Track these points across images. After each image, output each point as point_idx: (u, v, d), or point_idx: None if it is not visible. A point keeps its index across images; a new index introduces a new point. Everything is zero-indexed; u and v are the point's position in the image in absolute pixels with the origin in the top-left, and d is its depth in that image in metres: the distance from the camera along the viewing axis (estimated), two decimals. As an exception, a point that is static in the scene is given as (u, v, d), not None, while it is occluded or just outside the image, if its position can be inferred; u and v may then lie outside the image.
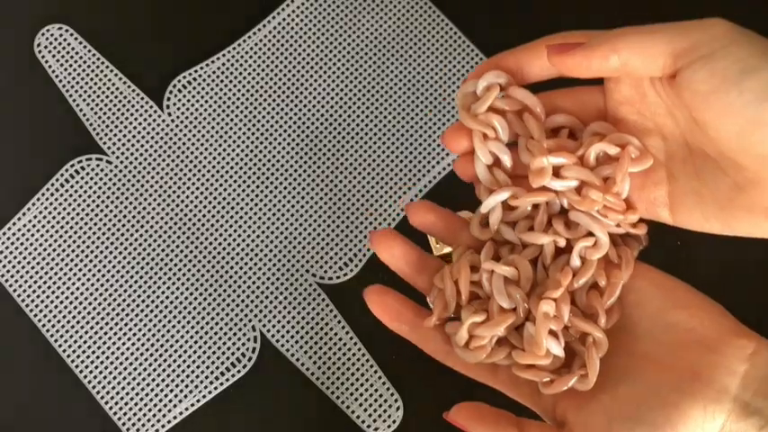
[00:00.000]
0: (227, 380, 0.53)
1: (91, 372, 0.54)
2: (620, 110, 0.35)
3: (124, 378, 0.54)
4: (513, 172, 0.36)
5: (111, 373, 0.54)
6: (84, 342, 0.54)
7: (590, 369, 0.33)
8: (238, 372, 0.54)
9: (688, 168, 0.33)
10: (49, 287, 0.55)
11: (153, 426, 0.53)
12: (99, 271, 0.55)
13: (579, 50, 0.33)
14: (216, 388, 0.53)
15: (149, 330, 0.54)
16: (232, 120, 0.58)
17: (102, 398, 0.53)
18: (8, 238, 0.56)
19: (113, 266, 0.55)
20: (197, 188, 0.57)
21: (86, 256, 0.56)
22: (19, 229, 0.56)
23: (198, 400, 0.53)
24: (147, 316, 0.55)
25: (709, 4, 0.61)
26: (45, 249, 0.56)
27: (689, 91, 0.31)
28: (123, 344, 0.54)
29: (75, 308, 0.55)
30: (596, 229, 0.35)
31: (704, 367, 0.32)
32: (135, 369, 0.54)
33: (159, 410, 0.53)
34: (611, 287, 0.35)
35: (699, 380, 0.32)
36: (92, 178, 0.57)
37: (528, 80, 0.35)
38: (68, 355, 0.54)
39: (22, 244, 0.56)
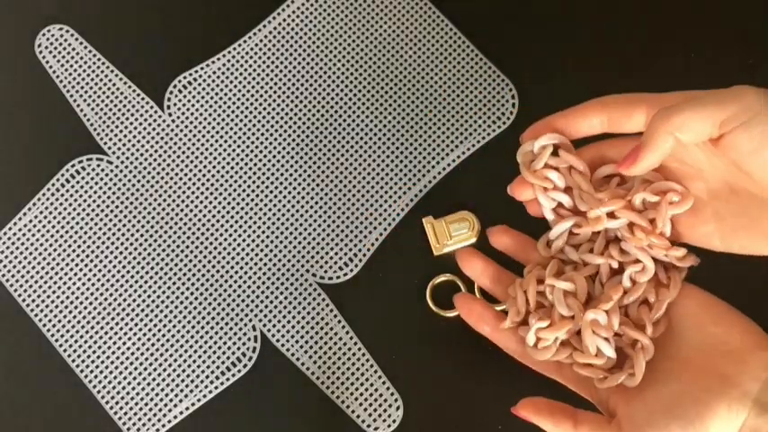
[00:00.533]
0: (228, 380, 0.54)
1: (91, 371, 0.54)
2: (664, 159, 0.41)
3: (125, 378, 0.54)
4: (573, 208, 0.43)
5: (111, 372, 0.54)
6: (85, 342, 0.54)
7: (637, 369, 0.40)
8: (238, 371, 0.54)
9: (733, 207, 0.39)
10: (49, 287, 0.55)
11: (153, 425, 0.53)
12: (99, 271, 0.55)
13: (644, 155, 0.39)
14: (216, 388, 0.53)
15: (150, 330, 0.54)
16: (232, 120, 0.58)
17: (103, 397, 0.53)
18: (9, 239, 0.56)
19: (114, 266, 0.56)
20: (197, 188, 0.57)
21: (87, 256, 0.56)
22: (20, 229, 0.56)
23: (198, 400, 0.53)
24: (147, 316, 0.55)
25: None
26: (45, 249, 0.56)
27: (734, 151, 0.37)
28: (124, 344, 0.54)
29: (75, 308, 0.55)
30: (643, 257, 0.41)
31: (732, 373, 0.38)
32: (135, 369, 0.54)
33: (159, 410, 0.53)
34: (659, 304, 0.41)
35: (727, 383, 0.38)
36: (92, 178, 0.57)
37: (576, 137, 0.42)
38: (69, 355, 0.54)
39: (22, 244, 0.56)
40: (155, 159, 0.58)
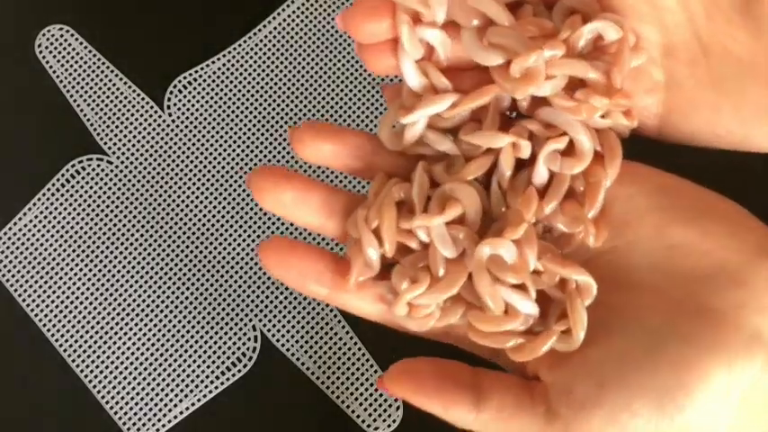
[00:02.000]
0: (228, 380, 0.54)
1: (92, 371, 0.54)
2: None
3: (125, 378, 0.54)
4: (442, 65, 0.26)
5: (111, 372, 0.54)
6: (85, 342, 0.54)
7: (574, 324, 0.25)
8: (238, 371, 0.54)
9: (700, 73, 0.25)
10: (49, 287, 0.55)
11: (153, 425, 0.53)
12: (99, 271, 0.56)
13: None
14: (216, 388, 0.53)
15: (150, 330, 0.54)
16: (233, 120, 0.58)
17: (103, 397, 0.53)
18: (9, 239, 0.56)
19: (113, 267, 0.56)
20: (197, 188, 0.57)
21: (87, 257, 0.56)
22: (20, 230, 0.56)
23: (198, 400, 0.53)
24: (147, 316, 0.55)
25: None
26: (45, 250, 0.56)
27: None
28: (124, 343, 0.54)
29: (75, 308, 0.55)
30: (578, 129, 0.24)
31: (727, 306, 0.23)
32: (135, 369, 0.54)
33: (159, 410, 0.53)
34: (593, 190, 0.25)
35: (720, 323, 0.23)
36: (92, 179, 0.57)
37: None
38: (69, 355, 0.54)
39: (22, 244, 0.56)
40: (155, 159, 0.58)
